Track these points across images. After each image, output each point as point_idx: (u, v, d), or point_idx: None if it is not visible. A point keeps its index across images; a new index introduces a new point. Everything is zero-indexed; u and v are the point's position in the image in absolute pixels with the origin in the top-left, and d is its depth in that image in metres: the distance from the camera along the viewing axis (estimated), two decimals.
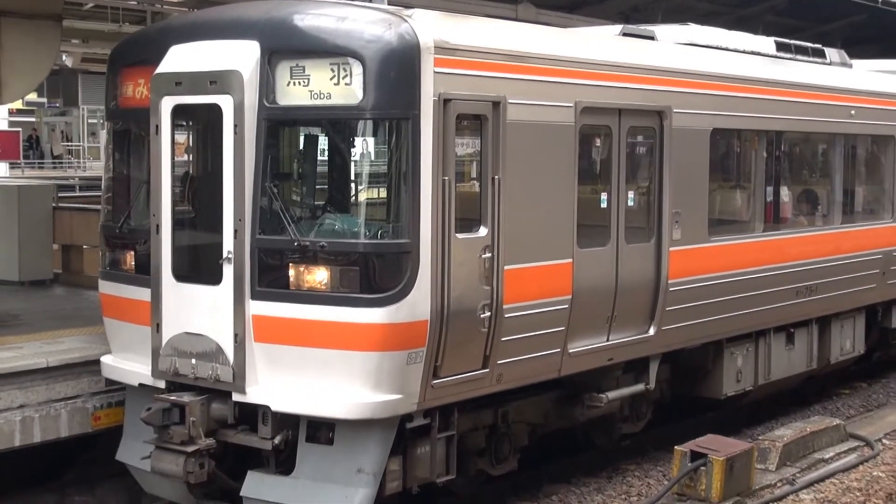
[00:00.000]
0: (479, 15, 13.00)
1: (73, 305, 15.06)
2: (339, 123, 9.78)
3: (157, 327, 10.09)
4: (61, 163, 52.33)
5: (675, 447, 11.27)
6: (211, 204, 9.89)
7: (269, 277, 9.57)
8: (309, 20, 9.69)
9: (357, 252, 9.36)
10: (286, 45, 9.59)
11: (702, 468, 10.87)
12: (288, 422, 9.66)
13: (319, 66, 9.42)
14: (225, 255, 9.65)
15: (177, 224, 10.12)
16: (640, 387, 12.34)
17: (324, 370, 9.39)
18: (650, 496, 11.46)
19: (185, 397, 9.75)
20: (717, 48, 13.85)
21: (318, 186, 10.58)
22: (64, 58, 36.62)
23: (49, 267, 17.31)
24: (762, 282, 13.73)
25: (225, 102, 9.60)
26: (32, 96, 49.27)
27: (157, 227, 10.09)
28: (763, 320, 13.99)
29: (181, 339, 9.94)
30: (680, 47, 13.29)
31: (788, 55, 15.22)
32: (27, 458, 11.38)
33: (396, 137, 9.43)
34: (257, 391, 9.61)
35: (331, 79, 9.37)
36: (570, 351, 11.03)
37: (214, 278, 9.74)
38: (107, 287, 10.88)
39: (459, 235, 9.70)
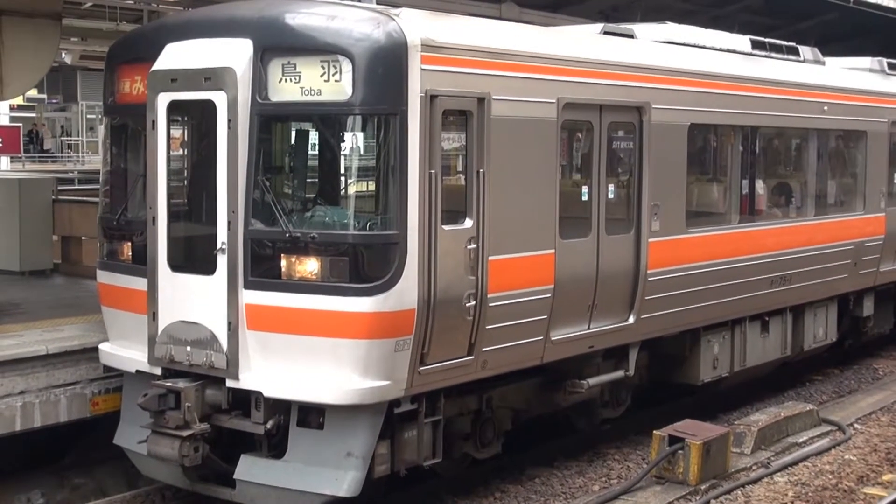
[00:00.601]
0: (463, 14, 13.08)
1: (72, 294, 15.06)
2: (329, 119, 9.84)
3: (153, 316, 10.20)
4: (59, 157, 51.98)
5: (654, 431, 11.46)
6: (205, 196, 10.00)
7: (262, 267, 9.67)
8: (300, 19, 9.79)
9: (346, 243, 9.49)
10: (278, 43, 9.68)
11: (680, 452, 11.04)
12: (280, 407, 9.78)
13: (310, 64, 9.52)
14: (219, 245, 9.76)
15: (172, 216, 10.20)
16: (619, 373, 12.46)
17: (314, 357, 9.50)
18: (630, 479, 11.50)
19: (181, 383, 9.86)
20: (694, 46, 13.96)
21: (308, 180, 10.63)
22: (63, 55, 36.45)
23: (49, 257, 17.34)
24: (738, 272, 13.84)
25: (219, 98, 9.71)
26: (33, 92, 48.57)
27: (153, 219, 10.19)
28: (739, 309, 14.10)
29: (176, 327, 10.05)
30: (658, 45, 13.40)
31: (763, 53, 15.32)
32: (28, 442, 11.52)
33: (384, 132, 9.54)
34: (250, 377, 9.72)
35: (321, 76, 9.47)
36: (553, 338, 11.17)
37: (209, 268, 9.84)
38: (104, 277, 10.97)
39: (445, 227, 9.82)
